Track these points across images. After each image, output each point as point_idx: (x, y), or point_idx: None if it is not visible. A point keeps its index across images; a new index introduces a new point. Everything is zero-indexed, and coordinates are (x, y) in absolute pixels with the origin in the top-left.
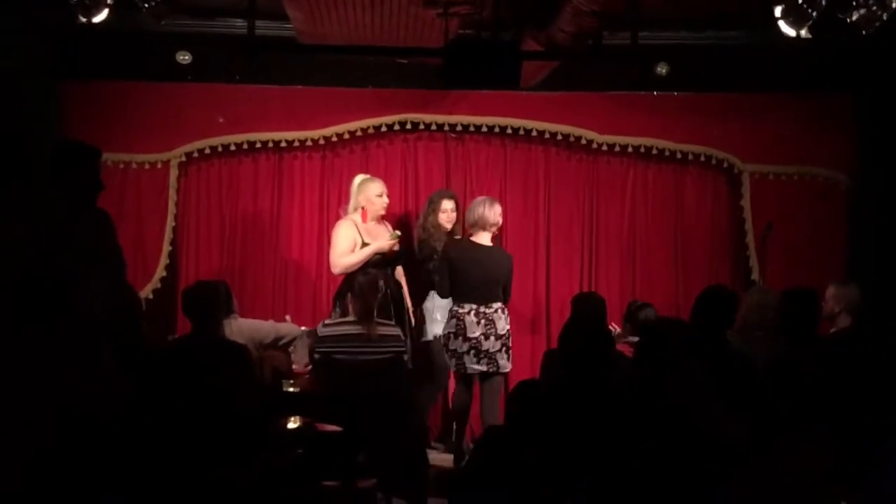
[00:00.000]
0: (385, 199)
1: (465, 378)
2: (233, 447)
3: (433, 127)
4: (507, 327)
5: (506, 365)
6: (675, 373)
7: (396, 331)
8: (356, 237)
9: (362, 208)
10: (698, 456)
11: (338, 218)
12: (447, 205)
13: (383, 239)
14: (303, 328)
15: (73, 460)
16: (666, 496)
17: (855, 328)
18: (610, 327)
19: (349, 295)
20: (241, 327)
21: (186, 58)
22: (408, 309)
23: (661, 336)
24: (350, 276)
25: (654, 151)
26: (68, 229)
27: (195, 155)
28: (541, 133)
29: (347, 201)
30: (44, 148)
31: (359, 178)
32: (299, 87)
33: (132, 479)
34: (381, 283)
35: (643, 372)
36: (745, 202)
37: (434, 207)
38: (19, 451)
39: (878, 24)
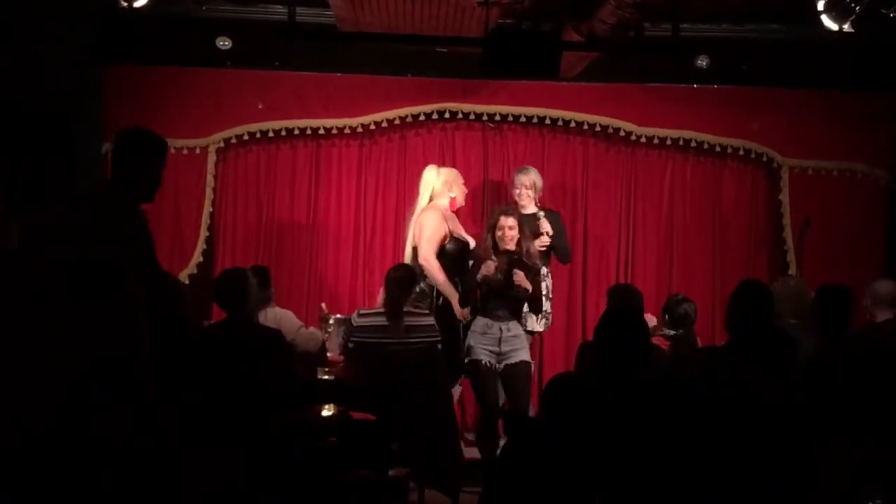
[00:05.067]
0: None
1: None
2: (264, 433)
3: (471, 116)
4: None
5: None
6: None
7: (428, 321)
8: (445, 228)
9: (451, 197)
10: (736, 449)
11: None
12: (504, 221)
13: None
14: (324, 335)
15: (112, 438)
16: (700, 492)
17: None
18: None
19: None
20: (277, 316)
21: (226, 43)
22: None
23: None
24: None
25: (693, 144)
26: (125, 221)
27: (233, 141)
28: (579, 124)
29: (385, 189)
30: (83, 131)
31: (441, 170)
32: (338, 74)
33: (163, 460)
34: (420, 282)
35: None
36: (784, 197)
37: (491, 224)
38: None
39: None
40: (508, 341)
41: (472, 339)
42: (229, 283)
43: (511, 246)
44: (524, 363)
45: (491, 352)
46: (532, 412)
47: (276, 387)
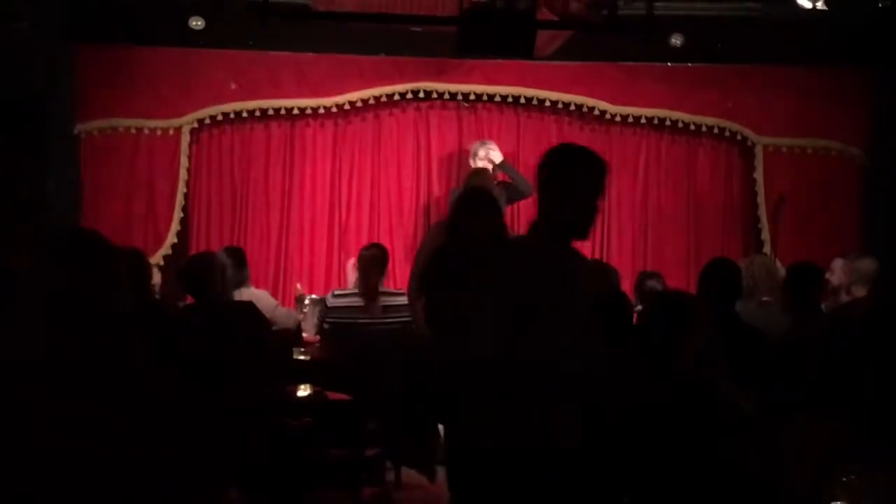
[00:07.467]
0: None
1: None
2: (241, 413)
3: (446, 96)
4: None
5: None
6: (690, 344)
7: (403, 300)
8: None
9: None
10: (709, 428)
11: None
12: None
13: None
14: (300, 316)
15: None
16: (675, 468)
17: (870, 302)
18: None
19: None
20: (252, 297)
21: (199, 23)
22: None
23: (675, 306)
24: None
25: (668, 123)
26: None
27: (207, 122)
28: (554, 103)
29: (360, 169)
30: (56, 112)
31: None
32: (312, 54)
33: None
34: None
35: (653, 342)
36: (759, 175)
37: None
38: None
39: None
40: None
41: None
42: (195, 270)
43: None
44: None
45: None
46: None
47: (254, 360)
